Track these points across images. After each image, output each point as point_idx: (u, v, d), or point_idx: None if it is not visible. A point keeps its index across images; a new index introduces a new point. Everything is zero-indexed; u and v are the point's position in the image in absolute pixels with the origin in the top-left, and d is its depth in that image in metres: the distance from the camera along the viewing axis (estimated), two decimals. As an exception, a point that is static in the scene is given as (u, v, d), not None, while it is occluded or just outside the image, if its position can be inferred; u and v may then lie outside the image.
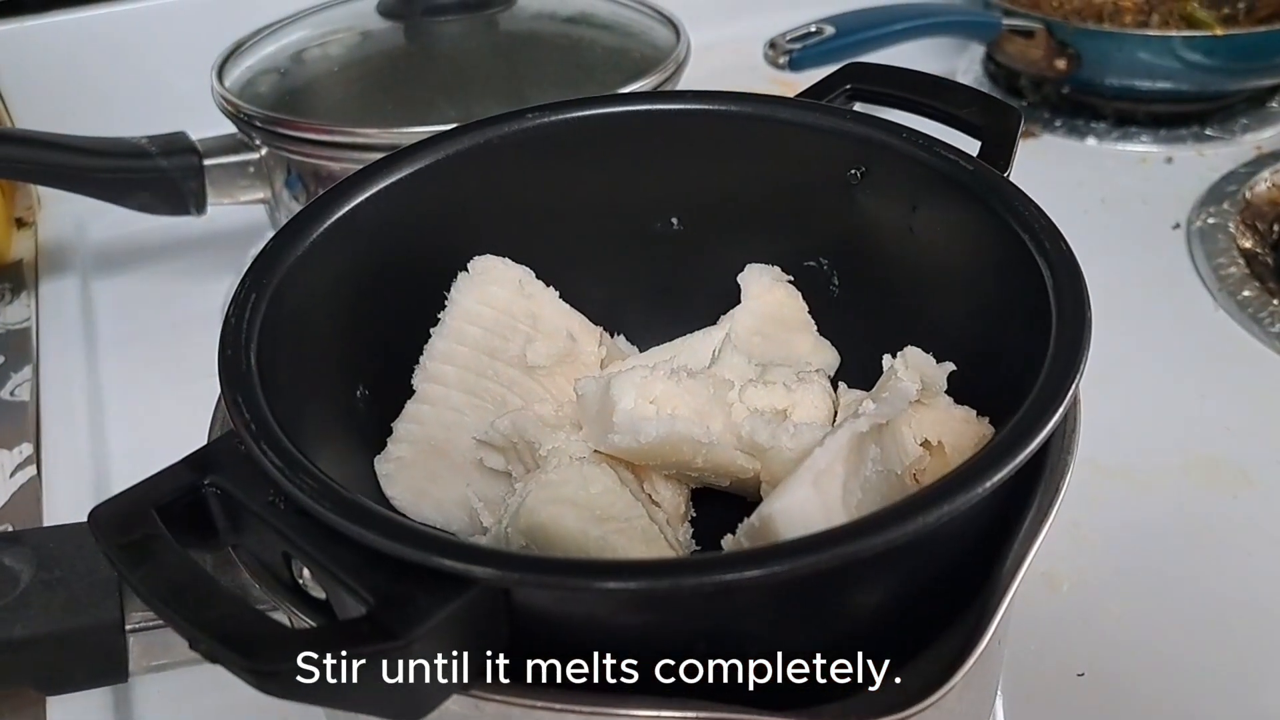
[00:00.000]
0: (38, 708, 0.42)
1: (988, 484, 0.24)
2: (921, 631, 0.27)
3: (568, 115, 0.39)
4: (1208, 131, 0.75)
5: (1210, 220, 0.65)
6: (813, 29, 0.65)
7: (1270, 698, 0.41)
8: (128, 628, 0.29)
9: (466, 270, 0.37)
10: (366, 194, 0.36)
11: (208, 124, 0.60)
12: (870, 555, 0.23)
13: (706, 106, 0.39)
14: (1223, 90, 0.75)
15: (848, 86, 0.40)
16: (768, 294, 0.38)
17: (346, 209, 0.35)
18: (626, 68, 0.59)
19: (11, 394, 0.60)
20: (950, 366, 0.33)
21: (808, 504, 0.27)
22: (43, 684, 0.28)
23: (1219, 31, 0.71)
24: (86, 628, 0.28)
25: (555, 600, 0.24)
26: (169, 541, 0.24)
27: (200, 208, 0.58)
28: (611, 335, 0.40)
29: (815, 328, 0.39)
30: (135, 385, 0.59)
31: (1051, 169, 0.73)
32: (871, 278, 0.39)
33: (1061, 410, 0.25)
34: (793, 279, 0.40)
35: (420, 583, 0.23)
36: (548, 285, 0.39)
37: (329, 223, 0.35)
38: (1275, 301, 0.58)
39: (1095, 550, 0.47)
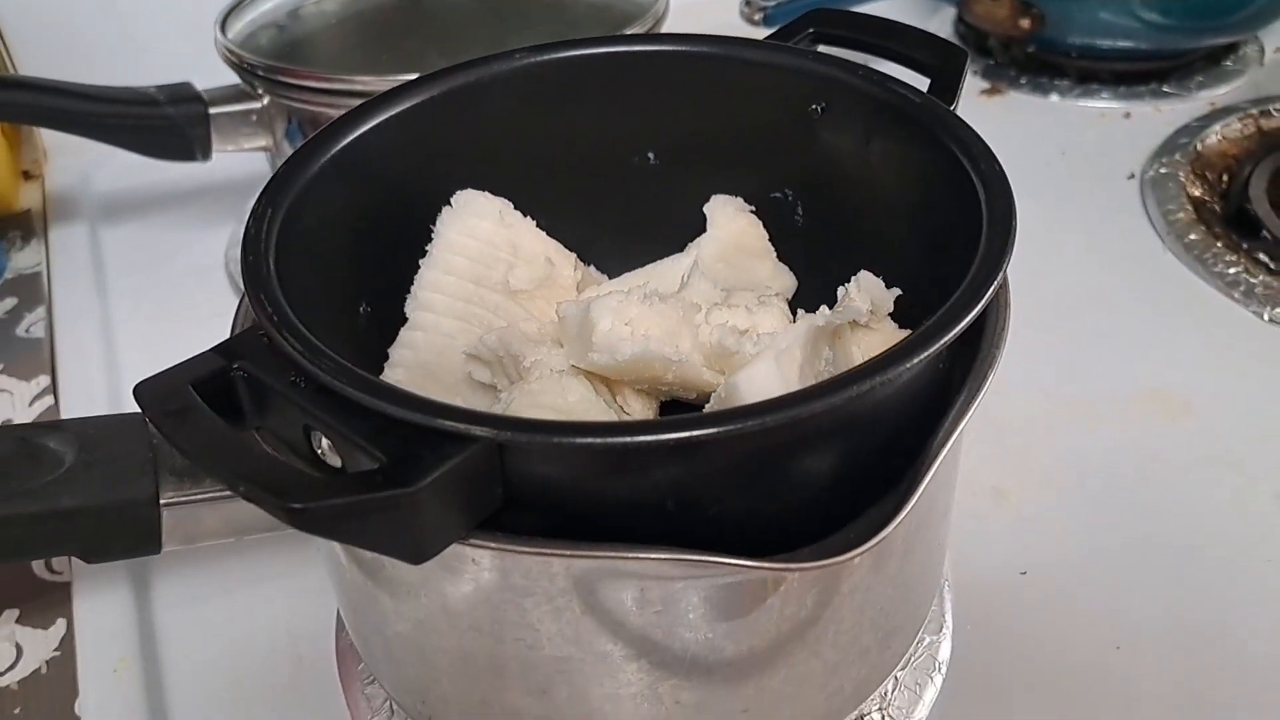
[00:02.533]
0: (64, 608, 0.46)
1: (919, 357, 0.27)
2: (866, 495, 0.31)
3: (553, 55, 0.42)
4: (1165, 89, 0.78)
5: (1162, 170, 0.69)
6: (786, -15, 0.69)
7: (1194, 597, 0.45)
8: (161, 502, 0.32)
9: (450, 204, 0.40)
10: (367, 126, 0.39)
11: (206, 81, 0.63)
12: (816, 418, 0.27)
13: (679, 48, 0.42)
14: (1180, 49, 0.79)
15: (810, 30, 0.43)
16: (731, 223, 0.42)
17: (349, 139, 0.38)
18: (608, 22, 0.62)
19: (27, 331, 0.64)
20: (897, 291, 0.37)
21: (768, 375, 0.30)
22: (86, 552, 0.32)
23: (1175, -9, 0.74)
24: (124, 501, 0.32)
25: (541, 460, 0.28)
26: (205, 410, 0.27)
27: (205, 154, 0.61)
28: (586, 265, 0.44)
29: (775, 254, 0.43)
30: (145, 322, 0.63)
31: (1016, 124, 0.77)
32: (832, 208, 0.42)
33: (985, 300, 0.29)
34: (760, 210, 0.44)
35: (425, 442, 0.26)
36: (528, 217, 0.43)
37: (333, 152, 0.38)
38: (1219, 244, 0.62)
39: (1042, 470, 0.51)
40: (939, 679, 0.42)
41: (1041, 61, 0.81)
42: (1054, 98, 0.79)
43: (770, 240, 0.44)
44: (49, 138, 0.78)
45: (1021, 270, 0.61)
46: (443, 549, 0.28)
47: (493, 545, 0.28)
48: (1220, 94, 0.78)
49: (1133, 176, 0.70)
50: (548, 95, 0.42)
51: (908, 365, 0.27)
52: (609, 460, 0.28)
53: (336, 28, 0.65)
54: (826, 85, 0.40)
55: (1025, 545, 0.47)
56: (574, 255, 0.42)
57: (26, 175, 0.78)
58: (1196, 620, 0.44)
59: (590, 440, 0.26)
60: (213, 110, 0.59)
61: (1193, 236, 0.63)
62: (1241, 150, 0.71)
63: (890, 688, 0.41)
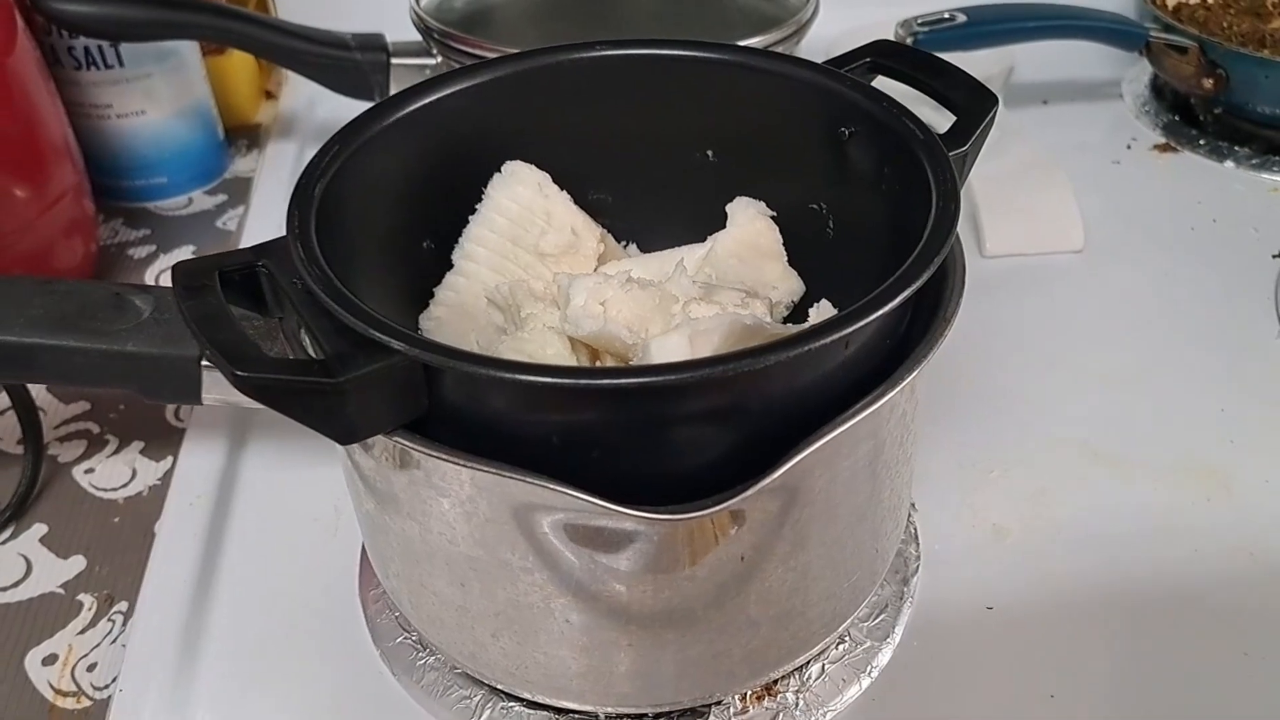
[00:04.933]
0: (177, 448, 0.56)
1: (788, 354, 0.31)
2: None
3: (631, 51, 0.47)
4: (1358, 172, 0.74)
5: (1312, 256, 0.66)
6: (946, 15, 0.70)
7: (1156, 671, 0.45)
8: (203, 363, 0.40)
9: (500, 171, 0.46)
10: (451, 90, 0.45)
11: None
12: (682, 390, 0.31)
13: (740, 59, 0.46)
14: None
15: (868, 59, 0.46)
16: (750, 224, 0.45)
17: (433, 98, 0.45)
18: (754, 23, 0.66)
19: (223, 224, 0.75)
20: None
21: (678, 345, 0.34)
22: (143, 391, 0.40)
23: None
24: (175, 356, 0.40)
25: (451, 380, 0.33)
26: (216, 290, 0.35)
27: (384, 96, 0.69)
28: (625, 244, 0.49)
29: (786, 258, 0.46)
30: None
31: (1176, 184, 0.75)
32: (855, 227, 0.45)
33: (877, 315, 0.32)
34: (798, 218, 0.47)
35: (361, 346, 0.32)
36: (590, 197, 0.48)
37: (416, 106, 0.44)
38: (1338, 340, 0.59)
39: (1054, 518, 0.51)
40: (866, 682, 0.45)
41: (1232, 127, 0.78)
42: (1229, 164, 0.76)
43: (804, 249, 0.48)
44: (290, 65, 0.90)
45: (1118, 328, 0.61)
46: (367, 437, 0.34)
47: (408, 444, 0.34)
48: None
49: (1277, 256, 0.67)
50: (622, 85, 0.47)
51: (773, 359, 0.31)
52: (493, 389, 0.33)
53: (524, 6, 0.72)
54: (855, 110, 0.43)
55: (1003, 583, 0.48)
56: (600, 229, 0.47)
57: (269, 95, 0.91)
58: (1147, 694, 0.44)
59: (472, 368, 0.31)
60: (394, 61, 0.68)
61: (1312, 328, 0.60)
62: None
63: (815, 674, 0.44)
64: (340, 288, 0.34)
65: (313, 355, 0.36)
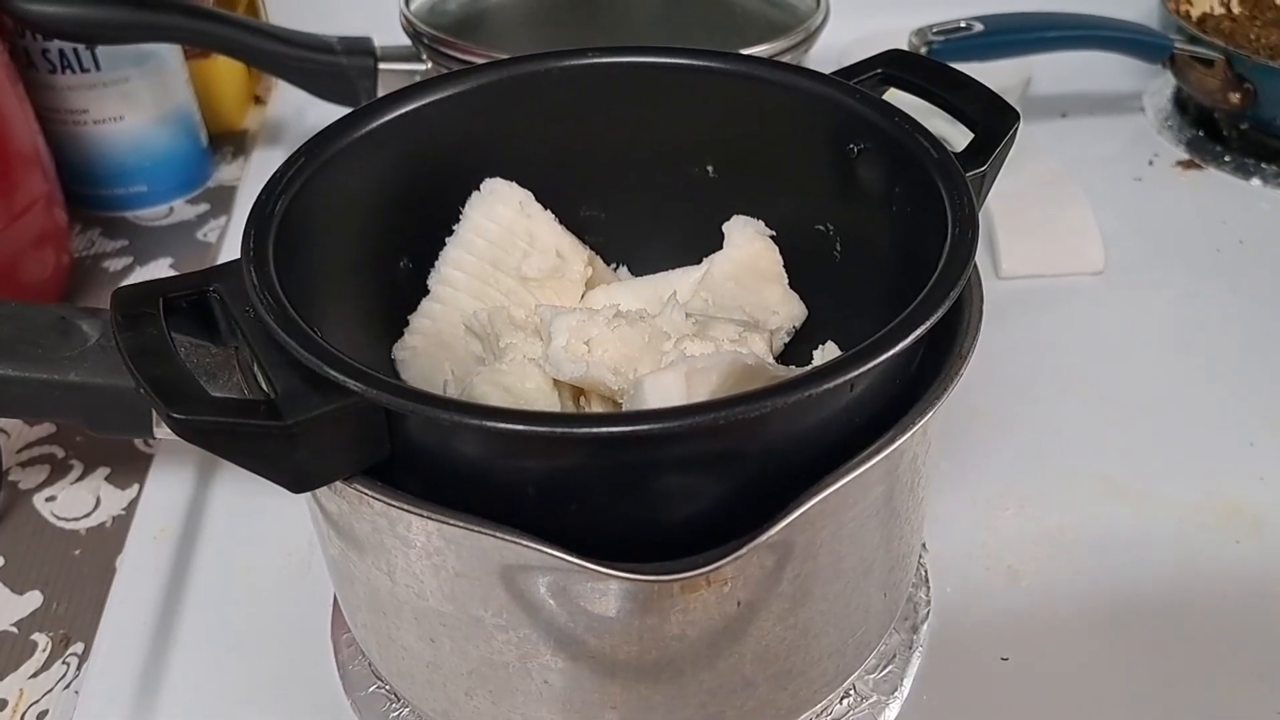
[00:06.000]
0: (143, 475, 0.53)
1: (811, 391, 0.28)
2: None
3: (624, 59, 0.44)
4: (1391, 191, 0.70)
5: (1344, 279, 0.63)
6: (962, 24, 0.66)
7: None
8: (154, 395, 0.37)
9: (479, 189, 0.43)
10: (431, 98, 0.42)
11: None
12: (679, 435, 0.28)
13: (741, 68, 0.43)
14: None
15: (879, 70, 0.43)
16: (749, 244, 0.42)
17: (410, 107, 0.41)
18: (760, 30, 0.63)
19: (204, 235, 0.72)
20: None
21: (674, 385, 0.31)
22: (90, 423, 0.37)
23: None
24: (124, 387, 0.37)
25: (416, 425, 0.30)
26: (158, 320, 0.32)
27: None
28: (615, 265, 0.45)
29: (787, 281, 0.43)
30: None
31: (1200, 202, 0.72)
32: (863, 250, 0.42)
33: (886, 356, 0.29)
34: (803, 239, 0.44)
35: (314, 385, 0.29)
36: (580, 213, 0.45)
37: (391, 116, 0.41)
38: (1374, 369, 0.56)
39: (1071, 557, 0.48)
40: (871, 740, 0.41)
41: (1259, 143, 0.75)
42: (1256, 182, 0.73)
43: (808, 272, 0.44)
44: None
45: (1140, 354, 0.58)
46: (322, 485, 0.31)
47: (368, 492, 0.31)
48: None
49: (1309, 279, 0.64)
50: (616, 95, 0.44)
51: (774, 405, 0.28)
52: (461, 436, 0.30)
53: (519, 11, 0.69)
54: (864, 125, 0.40)
55: (1019, 630, 0.45)
56: (588, 251, 0.44)
57: (257, 100, 0.88)
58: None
59: (437, 413, 0.28)
60: (382, 66, 0.65)
61: (1344, 355, 0.57)
62: None
63: (814, 732, 0.41)
64: (294, 317, 0.31)
65: (265, 391, 0.33)
